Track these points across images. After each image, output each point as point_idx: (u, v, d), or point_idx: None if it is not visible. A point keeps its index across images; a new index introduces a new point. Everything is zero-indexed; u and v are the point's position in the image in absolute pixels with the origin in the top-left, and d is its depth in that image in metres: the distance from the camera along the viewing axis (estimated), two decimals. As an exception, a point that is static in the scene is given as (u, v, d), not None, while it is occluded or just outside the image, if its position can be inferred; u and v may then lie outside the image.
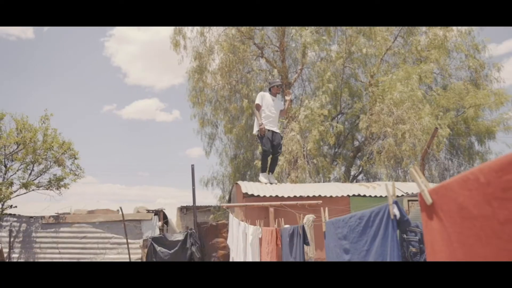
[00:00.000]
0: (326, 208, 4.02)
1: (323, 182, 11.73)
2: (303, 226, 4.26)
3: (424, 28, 14.12)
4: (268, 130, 7.98)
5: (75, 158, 10.37)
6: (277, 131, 8.20)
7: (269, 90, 8.39)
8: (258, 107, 8.05)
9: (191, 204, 14.53)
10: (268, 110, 8.04)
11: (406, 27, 14.45)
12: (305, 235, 4.61)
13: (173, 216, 15.51)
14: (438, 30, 13.08)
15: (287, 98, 8.52)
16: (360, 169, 13.04)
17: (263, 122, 7.93)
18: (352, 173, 14.00)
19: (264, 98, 8.08)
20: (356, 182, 13.61)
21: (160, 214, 9.84)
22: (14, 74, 33.67)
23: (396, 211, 2.30)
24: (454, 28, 13.72)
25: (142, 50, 36.46)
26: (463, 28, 13.40)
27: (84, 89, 36.58)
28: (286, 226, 5.16)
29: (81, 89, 36.27)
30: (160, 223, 9.62)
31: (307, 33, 10.98)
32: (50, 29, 35.36)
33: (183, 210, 15.42)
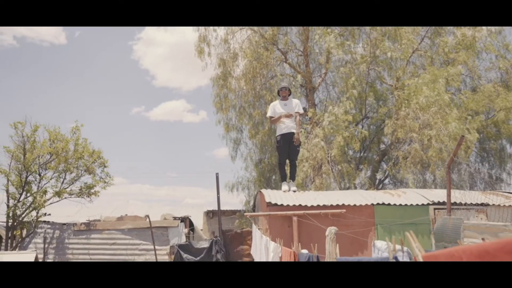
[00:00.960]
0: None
1: (348, 188, 11.65)
2: (317, 256, 4.30)
3: (452, 28, 13.79)
4: (283, 135, 8.06)
5: (105, 166, 10.71)
6: (293, 131, 8.09)
7: (279, 95, 8.41)
8: (272, 120, 8.22)
9: (217, 208, 14.73)
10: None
11: (433, 28, 14.17)
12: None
13: (199, 220, 15.77)
14: (467, 30, 12.75)
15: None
16: (386, 173, 12.87)
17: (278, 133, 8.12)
18: (378, 177, 13.83)
19: (274, 108, 8.16)
20: (382, 187, 13.44)
21: (186, 221, 10.04)
22: (47, 78, 34.96)
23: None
24: (484, 27, 13.34)
25: (169, 52, 37.14)
26: (493, 28, 13.01)
27: (114, 92, 37.52)
28: (304, 251, 5.20)
29: (111, 92, 37.23)
30: (186, 230, 9.82)
31: (330, 38, 10.93)
32: (82, 34, 36.45)
33: (209, 214, 15.63)
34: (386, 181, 13.76)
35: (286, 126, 8.16)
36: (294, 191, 8.49)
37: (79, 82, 35.63)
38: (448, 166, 7.30)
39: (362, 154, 13.39)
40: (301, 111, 8.35)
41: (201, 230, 14.61)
